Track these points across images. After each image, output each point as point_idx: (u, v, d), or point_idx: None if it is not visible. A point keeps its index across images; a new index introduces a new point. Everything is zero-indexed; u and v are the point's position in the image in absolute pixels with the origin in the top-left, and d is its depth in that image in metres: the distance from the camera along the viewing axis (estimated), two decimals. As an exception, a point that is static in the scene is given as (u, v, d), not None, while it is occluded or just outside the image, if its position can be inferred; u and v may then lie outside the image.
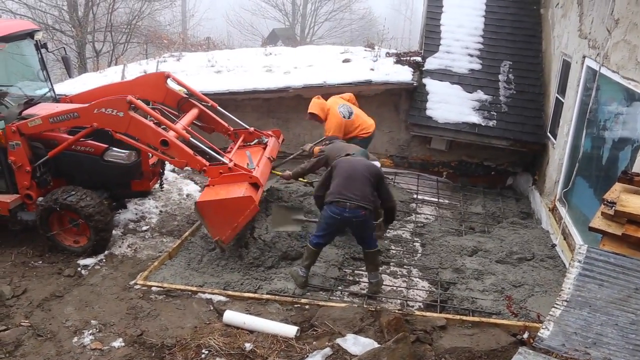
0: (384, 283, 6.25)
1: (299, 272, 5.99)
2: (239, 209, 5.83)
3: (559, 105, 8.61)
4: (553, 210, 7.88)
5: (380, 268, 6.29)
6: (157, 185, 7.91)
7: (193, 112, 7.18)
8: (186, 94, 7.53)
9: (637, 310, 2.83)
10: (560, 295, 2.97)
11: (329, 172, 6.12)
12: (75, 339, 4.96)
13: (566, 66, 8.36)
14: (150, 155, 6.84)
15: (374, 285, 6.01)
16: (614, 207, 3.51)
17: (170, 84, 7.44)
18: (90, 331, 5.07)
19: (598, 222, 3.57)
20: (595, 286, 2.98)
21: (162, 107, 7.22)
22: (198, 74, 11.01)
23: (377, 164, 7.09)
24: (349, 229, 6.24)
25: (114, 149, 6.56)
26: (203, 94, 7.84)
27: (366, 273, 6.43)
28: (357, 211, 5.66)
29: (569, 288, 2.99)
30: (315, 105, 8.01)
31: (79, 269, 6.18)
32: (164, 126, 6.20)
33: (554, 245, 7.25)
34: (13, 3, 18.88)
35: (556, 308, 2.89)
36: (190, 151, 6.12)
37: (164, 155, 6.29)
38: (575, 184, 7.18)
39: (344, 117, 7.82)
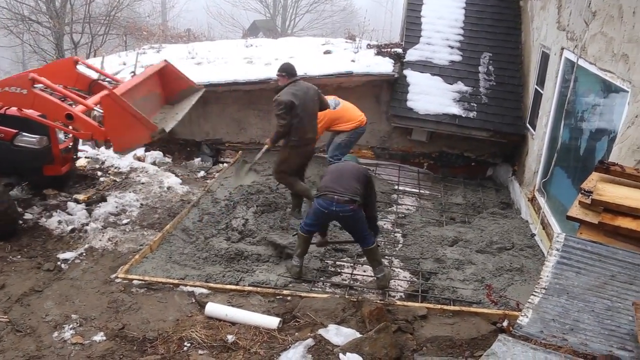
0: (364, 273, 6.28)
1: (293, 262, 6.03)
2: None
3: (538, 96, 8.70)
4: (532, 200, 7.98)
5: (384, 261, 6.22)
6: (141, 178, 7.85)
7: (102, 93, 7.14)
8: (101, 79, 7.66)
9: (612, 297, 2.88)
10: (538, 283, 3.01)
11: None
12: (56, 334, 4.91)
13: (545, 58, 8.45)
14: (62, 139, 7.10)
15: (380, 280, 5.95)
16: (590, 196, 3.56)
17: (81, 68, 7.49)
18: (71, 325, 5.02)
19: (575, 211, 3.63)
20: (573, 274, 3.03)
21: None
22: (178, 65, 10.86)
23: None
24: (340, 226, 6.26)
25: (25, 134, 6.67)
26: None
27: (347, 264, 6.48)
28: (344, 206, 5.63)
29: (547, 276, 3.04)
30: None
31: (59, 263, 6.11)
32: (70, 102, 6.31)
33: (533, 235, 7.36)
34: (-13, -7, 18.53)
35: (535, 296, 2.93)
36: (95, 123, 6.16)
37: (71, 130, 6.40)
38: (553, 174, 7.27)
39: (329, 107, 7.81)
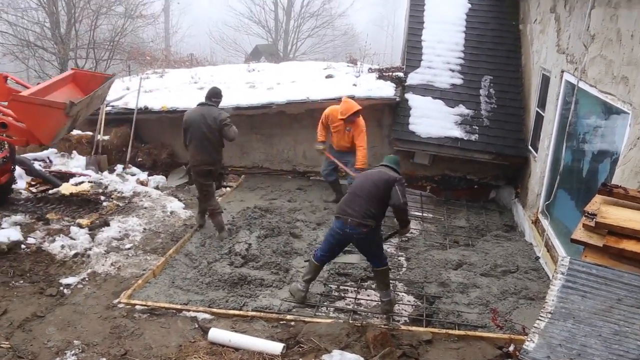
0: (368, 298, 6.25)
1: (299, 286, 6.01)
2: None
3: (539, 119, 8.73)
4: (536, 222, 7.96)
5: (390, 286, 6.17)
6: (144, 203, 7.90)
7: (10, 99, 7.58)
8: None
9: (619, 321, 2.86)
10: (544, 307, 2.99)
11: None
12: (57, 360, 4.88)
13: (545, 80, 8.50)
14: None
15: (385, 304, 5.95)
16: (594, 219, 3.56)
17: (11, 83, 7.98)
18: (73, 351, 4.98)
19: (580, 233, 3.61)
20: (579, 297, 3.01)
21: None
22: (181, 90, 11.01)
23: None
24: (353, 246, 6.26)
25: None
26: (186, 111, 7.84)
27: (351, 289, 6.44)
28: (357, 228, 5.69)
29: (552, 300, 3.02)
30: (354, 102, 8.53)
31: (61, 288, 6.09)
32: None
33: (537, 258, 7.32)
34: (-5, 20, 18.78)
35: (541, 320, 2.91)
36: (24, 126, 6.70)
37: (6, 137, 6.97)
38: (556, 196, 7.26)
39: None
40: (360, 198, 5.74)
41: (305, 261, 6.71)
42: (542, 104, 8.63)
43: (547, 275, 6.83)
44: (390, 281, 6.64)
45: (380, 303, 6.00)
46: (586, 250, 3.54)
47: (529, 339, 2.79)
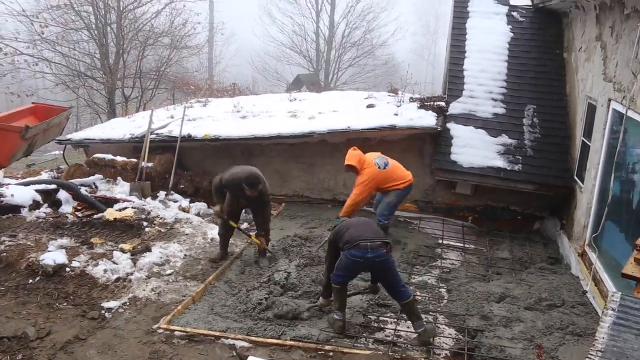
0: (408, 329, 6.10)
1: (335, 316, 5.94)
2: None
3: (585, 148, 8.53)
4: (582, 255, 7.70)
5: (427, 317, 6.09)
6: (185, 229, 8.06)
7: None
8: None
9: (676, 362, 2.71)
10: (594, 345, 2.86)
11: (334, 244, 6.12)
12: (98, 384, 4.92)
13: (591, 109, 8.32)
14: None
15: (422, 335, 5.76)
16: (647, 253, 3.42)
17: None
18: (113, 376, 5.03)
19: (631, 268, 3.48)
20: (632, 336, 2.87)
21: None
22: (224, 119, 11.21)
23: None
24: (372, 278, 6.19)
25: None
26: (228, 139, 8.03)
27: (390, 320, 6.33)
28: (379, 250, 5.65)
29: (603, 337, 2.89)
30: (352, 156, 8.18)
31: (103, 311, 6.18)
32: None
33: (584, 292, 7.06)
34: (49, 52, 19.57)
35: (590, 358, 2.78)
36: None
37: None
38: (604, 228, 7.03)
39: (379, 167, 7.96)
40: (370, 225, 6.04)
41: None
42: (588, 133, 8.43)
43: (595, 310, 6.57)
44: (431, 313, 6.53)
45: (417, 335, 5.85)
46: (638, 285, 3.39)
47: (578, 378, 2.66)
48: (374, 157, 8.29)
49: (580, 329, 6.11)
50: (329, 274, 6.04)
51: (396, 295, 5.90)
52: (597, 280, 6.87)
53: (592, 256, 7.23)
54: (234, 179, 7.23)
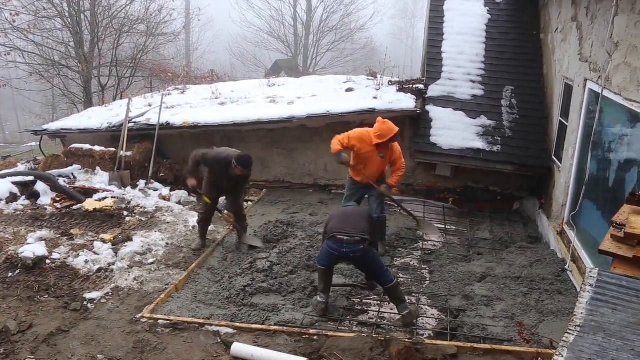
0: (392, 311, 6.16)
1: (318, 298, 5.98)
2: None
3: (562, 128, 8.62)
4: (561, 233, 7.82)
5: (411, 298, 6.18)
6: (166, 218, 7.99)
7: None
8: None
9: (652, 334, 2.77)
10: (572, 320, 2.91)
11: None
12: (82, 375, 4.90)
13: (568, 90, 8.39)
14: None
15: (406, 317, 5.84)
16: (623, 229, 3.47)
17: None
18: (97, 366, 5.01)
19: (608, 244, 3.53)
20: (609, 310, 2.92)
21: None
22: (203, 106, 11.12)
23: None
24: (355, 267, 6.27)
25: None
26: (207, 126, 7.89)
27: (374, 302, 6.37)
28: (355, 246, 5.68)
29: (581, 313, 2.94)
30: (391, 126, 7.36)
31: (85, 302, 6.14)
32: None
33: (563, 269, 7.18)
34: (21, 41, 19.16)
35: (569, 333, 2.83)
36: None
37: None
38: (582, 206, 7.13)
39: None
40: (353, 217, 6.03)
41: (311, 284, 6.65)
42: (565, 113, 8.52)
43: (574, 287, 6.69)
44: (414, 294, 6.59)
45: (401, 317, 5.92)
46: (615, 261, 3.45)
47: (557, 353, 2.71)
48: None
49: (559, 305, 6.21)
50: None
51: (378, 281, 5.98)
52: (576, 257, 6.98)
53: (571, 234, 7.34)
54: (222, 157, 7.18)
